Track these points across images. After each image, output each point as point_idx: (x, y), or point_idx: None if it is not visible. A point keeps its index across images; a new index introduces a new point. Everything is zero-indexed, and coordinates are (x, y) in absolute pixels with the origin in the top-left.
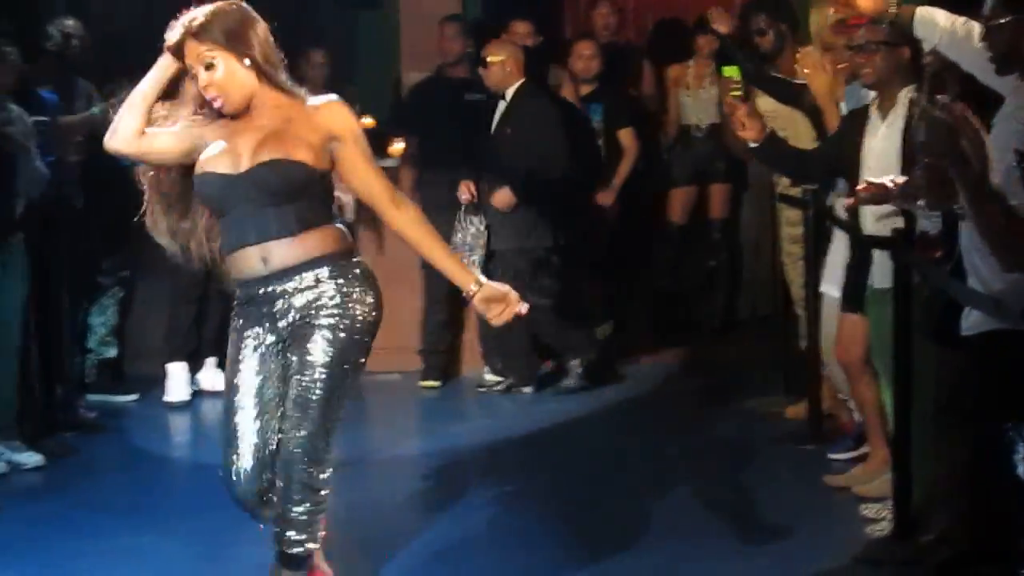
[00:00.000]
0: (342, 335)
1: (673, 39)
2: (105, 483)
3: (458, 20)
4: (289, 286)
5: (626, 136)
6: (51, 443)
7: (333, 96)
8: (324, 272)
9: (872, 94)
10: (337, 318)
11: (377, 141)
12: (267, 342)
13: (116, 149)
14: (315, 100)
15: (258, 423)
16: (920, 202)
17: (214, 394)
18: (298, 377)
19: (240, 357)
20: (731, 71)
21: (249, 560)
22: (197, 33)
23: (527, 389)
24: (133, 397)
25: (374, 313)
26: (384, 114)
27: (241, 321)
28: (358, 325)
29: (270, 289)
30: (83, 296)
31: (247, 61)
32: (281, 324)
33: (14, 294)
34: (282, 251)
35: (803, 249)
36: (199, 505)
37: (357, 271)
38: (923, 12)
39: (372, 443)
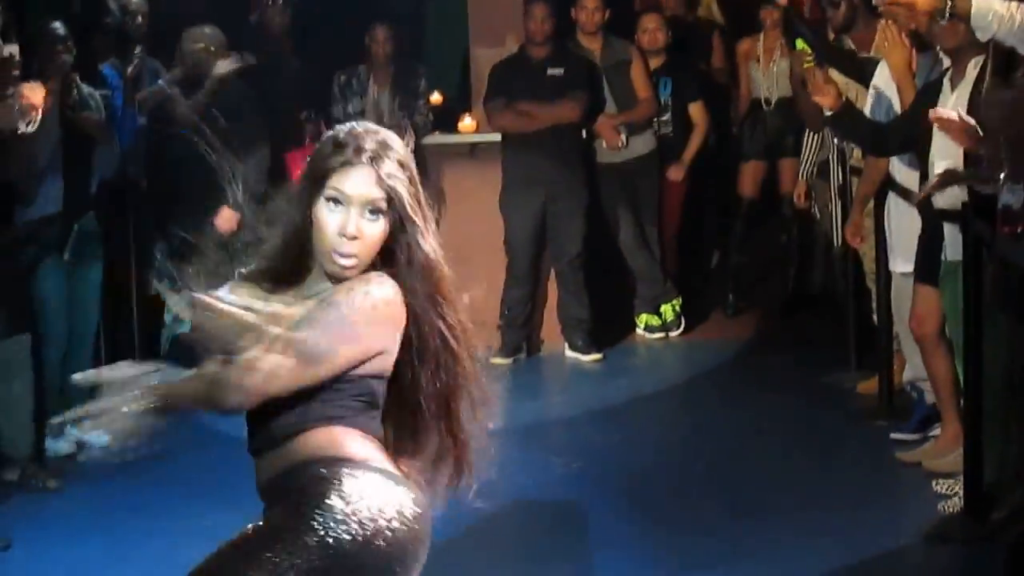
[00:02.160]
0: None
1: (744, 12)
2: (175, 462)
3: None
4: None
5: (696, 110)
6: None
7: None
8: None
9: (946, 64)
10: None
11: (446, 117)
12: None
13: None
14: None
15: None
16: (1002, 175)
17: None
18: None
19: None
20: (804, 44)
21: None
22: (380, 159)
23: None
24: None
25: None
26: (452, 90)
27: None
28: None
29: None
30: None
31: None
32: None
33: (91, 276)
34: None
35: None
36: None
37: None
38: (980, 2)
39: None
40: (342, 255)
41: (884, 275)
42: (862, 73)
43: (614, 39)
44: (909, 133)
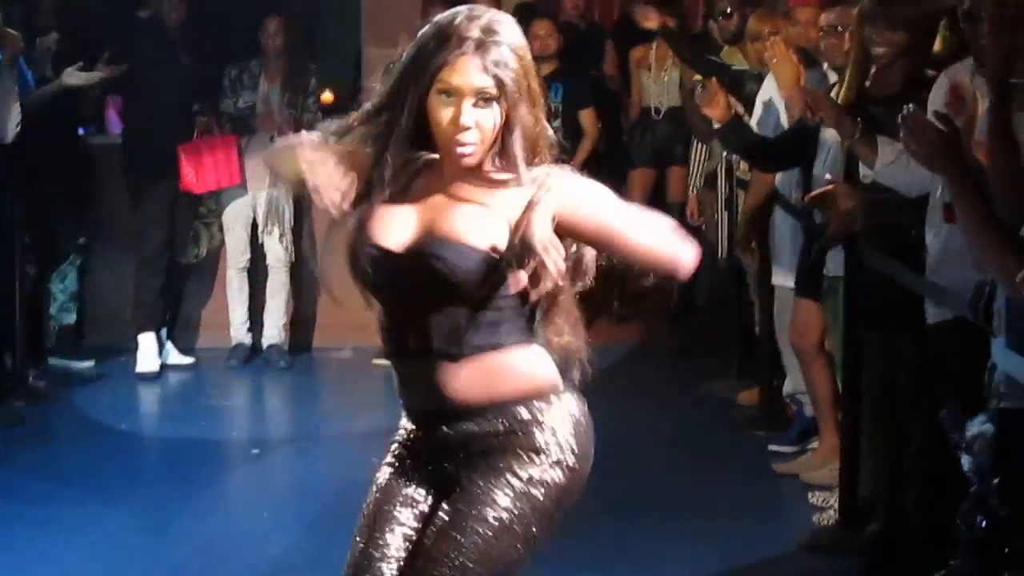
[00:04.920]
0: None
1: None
2: (51, 452)
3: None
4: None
5: (586, 117)
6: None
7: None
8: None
9: (832, 79)
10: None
11: (337, 116)
12: None
13: None
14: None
15: None
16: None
17: (182, 367)
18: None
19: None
20: None
21: (192, 533)
22: (486, 46)
23: None
24: (90, 364)
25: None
26: (344, 89)
27: None
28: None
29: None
30: (45, 263)
31: (508, 113)
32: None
33: None
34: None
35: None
36: (144, 477)
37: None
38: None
39: (322, 419)
40: (460, 145)
41: (767, 287)
42: (739, 87)
43: None
44: (795, 149)
